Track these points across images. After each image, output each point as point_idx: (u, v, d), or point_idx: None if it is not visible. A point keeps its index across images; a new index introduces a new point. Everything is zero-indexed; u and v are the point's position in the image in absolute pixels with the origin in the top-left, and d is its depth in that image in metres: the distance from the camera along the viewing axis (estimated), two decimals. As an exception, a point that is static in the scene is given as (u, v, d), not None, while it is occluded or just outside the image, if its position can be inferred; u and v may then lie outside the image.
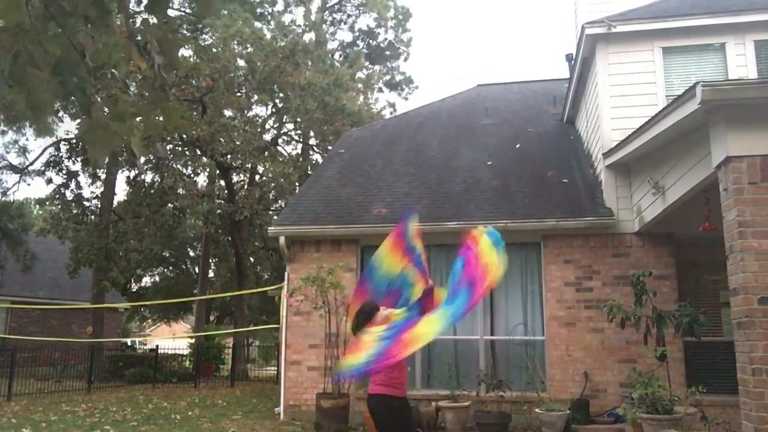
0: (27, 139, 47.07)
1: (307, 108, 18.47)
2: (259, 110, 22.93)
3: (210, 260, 27.55)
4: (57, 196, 20.49)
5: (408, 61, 46.13)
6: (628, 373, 8.27)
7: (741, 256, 4.67)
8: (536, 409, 8.05)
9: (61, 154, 20.49)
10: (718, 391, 7.69)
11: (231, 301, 26.34)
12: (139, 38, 2.44)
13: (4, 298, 20.57)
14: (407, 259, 4.89)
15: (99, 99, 2.49)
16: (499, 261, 4.21)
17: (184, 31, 19.82)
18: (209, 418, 9.93)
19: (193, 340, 23.76)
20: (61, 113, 17.77)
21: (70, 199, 20.65)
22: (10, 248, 20.07)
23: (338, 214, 10.14)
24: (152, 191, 19.62)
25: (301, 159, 22.41)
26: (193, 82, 18.22)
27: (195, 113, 18.20)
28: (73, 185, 20.69)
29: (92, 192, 21.33)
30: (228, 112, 20.16)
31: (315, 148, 23.33)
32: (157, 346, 19.49)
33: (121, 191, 38.49)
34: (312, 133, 22.35)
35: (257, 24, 22.90)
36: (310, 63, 20.30)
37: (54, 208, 21.74)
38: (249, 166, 21.20)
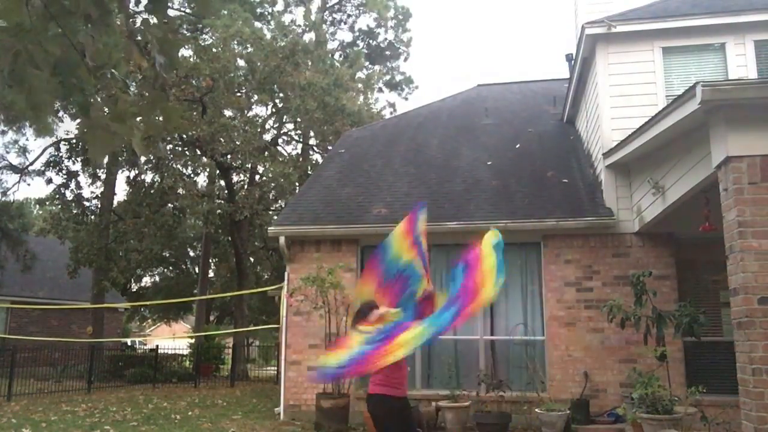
0: (27, 139, 47.00)
1: (307, 108, 18.46)
2: (259, 110, 22.96)
3: (210, 260, 27.56)
4: (57, 196, 20.51)
5: (408, 61, 46.20)
6: (628, 373, 8.27)
7: (741, 256, 4.67)
8: (536, 409, 8.05)
9: (61, 154, 20.53)
10: (718, 391, 7.68)
11: (231, 301, 26.33)
12: (139, 38, 2.44)
13: (4, 298, 20.58)
14: (414, 251, 4.93)
15: (99, 99, 2.49)
16: (495, 281, 4.26)
17: (184, 31, 19.81)
18: (209, 418, 9.93)
19: (193, 340, 23.76)
20: (61, 113, 17.72)
21: (70, 199, 20.66)
22: (10, 248, 20.06)
23: (338, 214, 10.14)
24: (152, 191, 19.62)
25: (301, 159, 22.40)
26: (193, 82, 18.22)
27: (195, 113, 18.19)
28: (73, 185, 20.73)
29: (92, 192, 21.41)
30: (228, 112, 20.16)
31: (315, 148, 23.32)
32: (157, 346, 19.50)
33: (121, 191, 38.55)
34: (312, 133, 22.34)
35: (257, 24, 22.90)
36: (310, 63, 20.29)
37: (54, 208, 21.76)
38: (249, 166, 21.20)
